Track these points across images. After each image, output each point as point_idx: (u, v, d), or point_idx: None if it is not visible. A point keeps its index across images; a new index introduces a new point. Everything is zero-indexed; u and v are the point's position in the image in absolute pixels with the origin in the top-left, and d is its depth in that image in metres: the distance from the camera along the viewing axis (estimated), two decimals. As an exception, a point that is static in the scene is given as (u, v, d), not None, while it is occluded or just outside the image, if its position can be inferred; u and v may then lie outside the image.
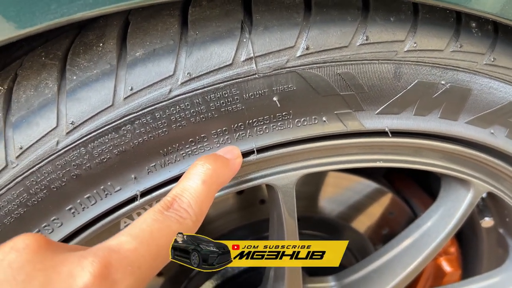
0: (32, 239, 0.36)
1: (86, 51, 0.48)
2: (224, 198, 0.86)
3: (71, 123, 0.47)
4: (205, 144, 0.53)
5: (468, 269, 1.03)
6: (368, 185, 0.96)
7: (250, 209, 0.88)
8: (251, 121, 0.53)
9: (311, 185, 0.93)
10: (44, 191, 0.50)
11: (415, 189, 1.00)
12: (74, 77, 0.47)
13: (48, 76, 0.48)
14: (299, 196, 0.92)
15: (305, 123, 0.55)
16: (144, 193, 0.54)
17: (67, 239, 0.54)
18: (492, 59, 0.56)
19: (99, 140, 0.49)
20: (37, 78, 0.48)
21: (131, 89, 0.47)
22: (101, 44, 0.49)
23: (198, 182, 0.47)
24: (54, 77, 0.48)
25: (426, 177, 1.02)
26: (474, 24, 0.55)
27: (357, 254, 1.00)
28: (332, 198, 0.95)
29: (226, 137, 0.53)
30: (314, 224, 0.95)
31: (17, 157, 0.47)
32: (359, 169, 0.94)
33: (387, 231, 1.00)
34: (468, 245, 1.01)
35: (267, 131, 0.54)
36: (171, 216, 0.43)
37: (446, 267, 0.96)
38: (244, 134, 0.54)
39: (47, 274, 0.34)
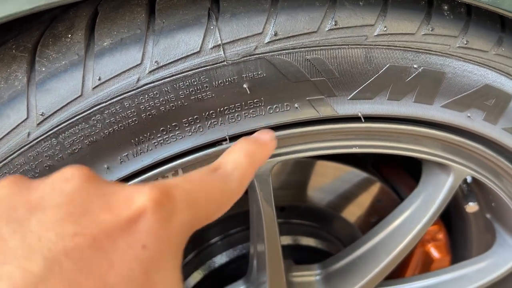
0: (80, 170, 0.36)
1: (55, 42, 0.49)
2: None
3: (41, 115, 0.48)
4: (176, 133, 0.53)
5: (458, 255, 1.03)
6: (356, 174, 0.96)
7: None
8: (222, 108, 0.53)
9: (299, 174, 0.93)
10: (18, 183, 0.50)
11: (403, 176, 1.00)
12: (43, 69, 0.48)
13: (18, 68, 0.48)
14: (287, 186, 0.93)
15: (277, 110, 0.55)
16: (118, 183, 0.54)
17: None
18: (465, 42, 0.56)
19: (69, 130, 0.49)
20: (7, 71, 0.48)
21: (99, 79, 0.48)
22: (69, 35, 0.49)
23: (241, 155, 0.48)
24: (24, 69, 0.48)
25: (416, 163, 1.02)
26: (446, 7, 0.55)
27: (346, 243, 1.00)
28: (320, 187, 0.95)
29: (198, 125, 0.53)
30: (302, 213, 0.96)
31: (-11, 149, 0.48)
32: (347, 158, 0.95)
33: (376, 219, 1.00)
34: (457, 231, 1.01)
35: (239, 118, 0.54)
36: (217, 175, 0.44)
37: (435, 253, 0.96)
38: (216, 122, 0.54)
39: (105, 198, 0.34)
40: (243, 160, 0.47)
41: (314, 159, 0.90)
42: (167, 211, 0.35)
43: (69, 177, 0.35)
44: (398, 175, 1.01)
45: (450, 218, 1.02)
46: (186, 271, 0.90)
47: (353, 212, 0.99)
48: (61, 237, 0.30)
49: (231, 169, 0.46)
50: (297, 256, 0.92)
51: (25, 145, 0.48)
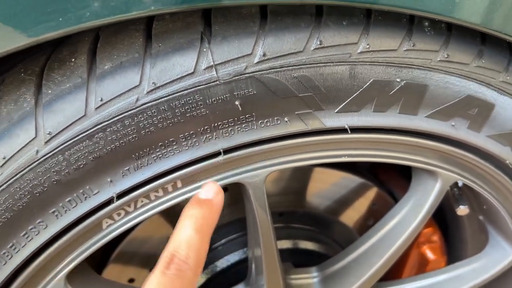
0: None
1: (60, 66, 0.52)
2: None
3: (49, 133, 0.51)
4: (174, 147, 0.57)
5: (454, 256, 1.05)
6: (352, 179, 0.99)
7: (235, 206, 0.92)
8: (216, 124, 0.56)
9: (297, 181, 0.96)
10: (28, 197, 0.54)
11: (398, 180, 1.03)
12: (50, 91, 0.52)
13: (26, 90, 0.52)
14: (286, 192, 0.96)
15: (268, 124, 0.59)
16: (121, 195, 0.58)
17: (52, 240, 0.58)
18: (446, 55, 0.59)
19: (75, 147, 0.53)
20: (16, 93, 0.52)
21: (101, 100, 0.51)
22: (73, 59, 0.53)
23: (191, 232, 0.50)
24: (32, 91, 0.52)
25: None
26: (427, 23, 0.58)
27: (344, 246, 1.03)
28: (317, 193, 0.98)
29: (194, 140, 0.57)
30: (301, 218, 0.99)
31: (1, 166, 0.52)
32: (345, 165, 0.98)
33: (372, 222, 1.03)
34: (452, 233, 1.04)
35: (233, 133, 0.58)
36: (172, 274, 0.46)
37: (430, 255, 0.99)
38: (210, 137, 0.57)
39: None
40: (195, 237, 0.50)
41: (312, 166, 0.94)
42: None
43: None
44: (394, 179, 1.04)
45: (446, 220, 1.05)
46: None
47: (350, 216, 1.02)
48: None
49: (185, 255, 0.48)
50: (297, 259, 0.96)
51: (34, 162, 0.52)
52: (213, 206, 0.55)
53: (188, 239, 0.50)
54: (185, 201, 0.59)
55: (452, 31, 0.60)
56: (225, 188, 0.89)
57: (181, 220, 0.53)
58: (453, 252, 1.07)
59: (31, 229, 0.57)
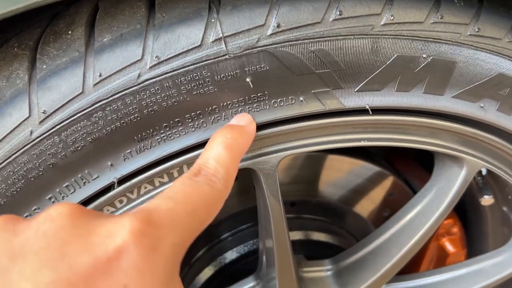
0: (66, 207, 0.36)
1: (56, 39, 0.48)
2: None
3: (43, 112, 0.48)
4: (180, 128, 0.52)
5: (475, 249, 1.01)
6: (368, 168, 0.94)
7: (245, 196, 0.88)
8: (225, 103, 0.52)
9: (309, 169, 0.92)
10: (22, 181, 0.50)
11: (416, 169, 0.98)
12: (44, 66, 0.48)
13: (19, 66, 0.48)
14: (298, 180, 0.92)
15: (282, 104, 0.54)
16: (122, 180, 0.54)
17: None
18: (477, 29, 0.54)
19: (72, 128, 0.49)
20: (9, 69, 0.48)
21: (100, 75, 0.47)
22: (70, 32, 0.48)
23: (220, 148, 0.47)
24: (25, 67, 0.48)
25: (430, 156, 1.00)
26: (456, -7, 0.53)
27: (358, 237, 0.99)
28: (331, 182, 0.94)
29: (201, 120, 0.53)
30: (313, 208, 0.95)
31: (-8, 148, 0.48)
32: (359, 151, 0.93)
33: (388, 213, 0.99)
34: (472, 224, 0.99)
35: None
36: (200, 180, 0.43)
37: (449, 247, 0.94)
38: (219, 117, 0.53)
39: (83, 238, 0.33)
40: (224, 154, 0.46)
41: (325, 153, 0.89)
42: (151, 241, 0.34)
43: (53, 216, 0.35)
44: (411, 168, 0.99)
45: (466, 211, 1.00)
46: (198, 267, 0.90)
47: (366, 207, 0.98)
48: (37, 286, 0.30)
49: (213, 168, 0.45)
50: (309, 251, 0.92)
51: (28, 143, 0.48)
52: (245, 132, 0.51)
53: (217, 155, 0.46)
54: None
55: (483, 3, 0.55)
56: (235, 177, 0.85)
57: (211, 140, 0.49)
58: (473, 245, 1.02)
59: (26, 216, 0.53)
